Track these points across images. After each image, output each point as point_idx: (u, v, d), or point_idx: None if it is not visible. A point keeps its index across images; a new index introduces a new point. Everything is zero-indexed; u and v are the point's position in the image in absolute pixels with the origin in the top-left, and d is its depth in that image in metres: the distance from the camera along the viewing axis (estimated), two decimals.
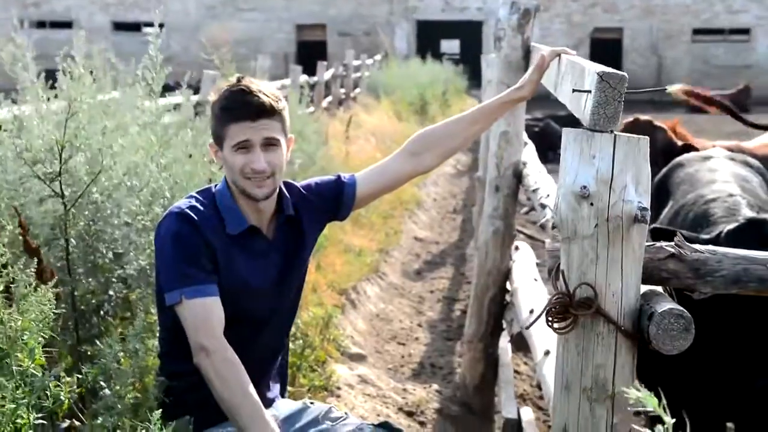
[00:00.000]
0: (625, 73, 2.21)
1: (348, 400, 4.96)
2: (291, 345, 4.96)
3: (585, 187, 2.22)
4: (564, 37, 36.57)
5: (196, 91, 8.61)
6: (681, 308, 2.21)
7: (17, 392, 2.41)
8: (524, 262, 5.45)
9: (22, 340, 2.46)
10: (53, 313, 2.58)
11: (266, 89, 2.82)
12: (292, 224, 2.97)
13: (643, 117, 5.70)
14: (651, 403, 1.37)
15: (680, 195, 4.38)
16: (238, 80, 2.84)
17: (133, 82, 4.52)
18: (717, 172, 4.45)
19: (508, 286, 5.49)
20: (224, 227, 2.83)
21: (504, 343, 5.72)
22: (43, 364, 2.51)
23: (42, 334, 2.51)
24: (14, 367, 2.44)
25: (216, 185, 2.95)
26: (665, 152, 5.38)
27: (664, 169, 4.72)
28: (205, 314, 2.70)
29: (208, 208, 2.84)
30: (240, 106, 2.76)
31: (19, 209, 3.67)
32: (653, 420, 3.85)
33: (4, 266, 2.56)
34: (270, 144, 2.79)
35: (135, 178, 4.02)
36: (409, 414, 5.28)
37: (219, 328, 2.70)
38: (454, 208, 13.19)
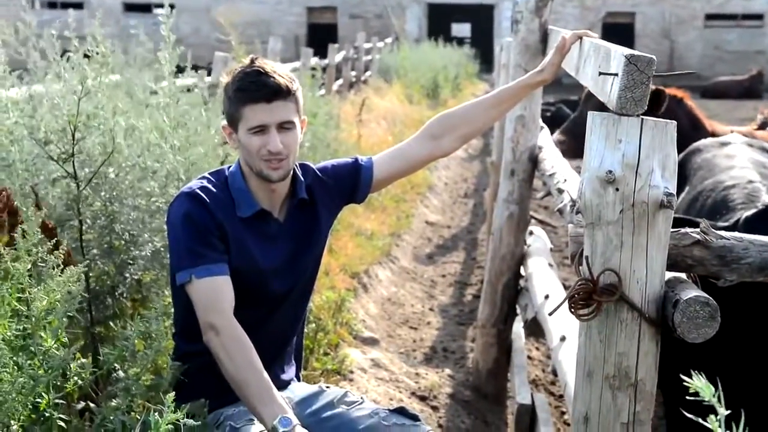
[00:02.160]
0: (653, 56, 2.17)
1: (361, 384, 4.95)
2: (304, 328, 4.96)
3: (611, 171, 2.19)
4: (576, 21, 36.40)
5: (208, 72, 8.59)
6: (707, 296, 2.18)
7: (39, 371, 2.40)
8: (539, 248, 5.42)
9: (46, 320, 2.45)
10: (81, 294, 2.58)
11: (280, 70, 2.80)
12: (306, 207, 2.95)
13: None
14: (707, 392, 1.33)
15: (697, 180, 4.34)
16: (252, 61, 2.81)
17: (145, 63, 4.49)
18: (735, 158, 4.41)
19: (522, 271, 5.46)
20: (235, 209, 2.82)
21: (517, 329, 5.70)
22: (65, 344, 2.51)
23: (67, 314, 2.50)
24: (37, 347, 2.43)
25: (230, 167, 2.93)
26: None
27: (681, 154, 4.68)
28: (214, 293, 2.70)
29: (219, 189, 2.83)
30: (255, 88, 2.73)
31: (39, 189, 3.66)
32: (667, 407, 3.82)
33: (35, 245, 2.55)
34: (285, 126, 2.77)
35: (150, 159, 4.00)
36: (422, 398, 5.26)
37: (229, 307, 2.70)
38: (466, 192, 13.14)
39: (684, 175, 4.49)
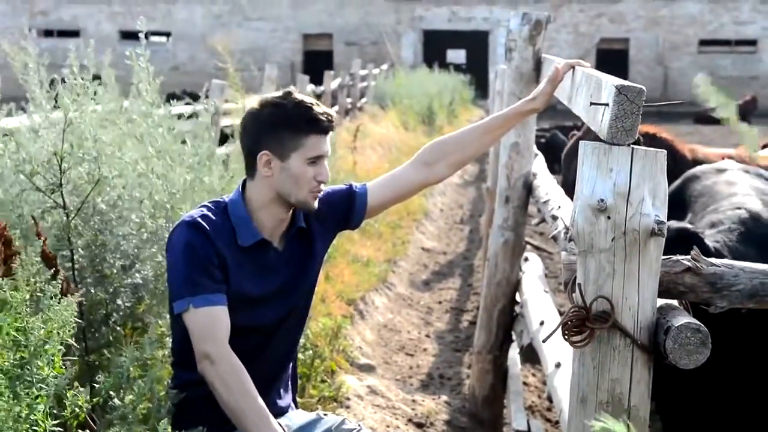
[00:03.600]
0: (642, 87, 2.20)
1: (358, 411, 4.95)
2: (300, 356, 4.97)
3: (602, 200, 2.22)
4: (570, 47, 36.59)
5: (197, 99, 8.61)
6: (698, 322, 2.20)
7: (36, 400, 2.42)
8: (534, 274, 5.44)
9: (44, 348, 2.47)
10: (76, 321, 2.59)
11: None
12: (303, 235, 2.98)
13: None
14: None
15: (700, 207, 4.38)
16: (289, 93, 2.85)
17: (130, 94, 4.50)
18: (736, 185, 4.46)
19: (517, 297, 5.48)
20: (236, 238, 2.84)
21: (513, 355, 5.71)
22: (62, 373, 2.52)
23: (63, 342, 2.51)
24: (35, 376, 2.44)
25: (227, 196, 2.96)
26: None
27: (678, 182, 4.73)
28: (211, 322, 2.72)
29: (220, 218, 2.85)
30: (324, 120, 2.81)
31: (23, 220, 3.68)
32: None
33: (33, 275, 2.57)
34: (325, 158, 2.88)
35: (137, 190, 4.02)
36: (419, 425, 5.26)
37: (224, 336, 2.72)
38: (461, 218, 13.17)
39: (684, 202, 4.55)
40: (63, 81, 4.09)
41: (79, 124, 3.87)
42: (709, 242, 3.71)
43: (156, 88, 4.24)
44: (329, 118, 2.84)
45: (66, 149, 3.72)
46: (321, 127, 2.82)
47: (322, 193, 2.89)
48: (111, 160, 3.95)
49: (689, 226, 3.75)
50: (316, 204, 2.88)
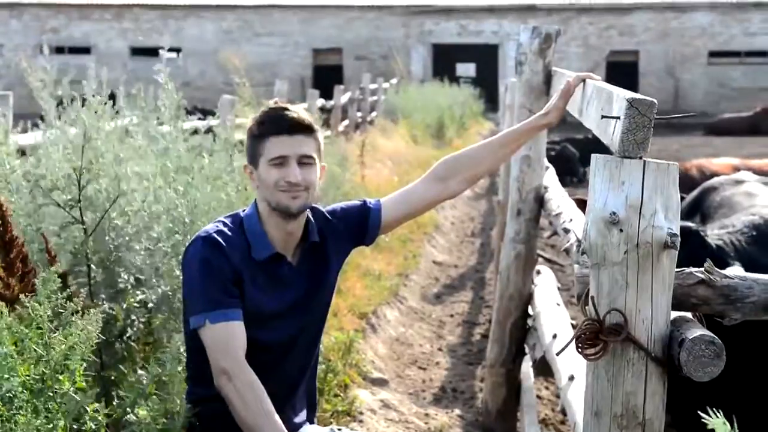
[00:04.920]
0: (654, 100, 2.21)
1: (371, 425, 4.95)
2: (316, 371, 4.97)
3: (614, 213, 2.22)
4: (580, 59, 36.58)
5: (213, 115, 8.67)
6: (712, 334, 2.20)
7: (57, 414, 2.43)
8: (546, 287, 5.44)
9: (65, 364, 2.48)
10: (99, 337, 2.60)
11: (302, 110, 2.88)
12: (317, 250, 2.98)
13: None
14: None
15: (719, 218, 4.40)
16: (276, 102, 2.89)
17: (148, 109, 4.53)
18: (756, 196, 4.48)
19: (530, 310, 5.47)
20: (250, 252, 2.85)
21: (526, 368, 5.70)
22: (83, 388, 2.53)
23: (85, 357, 2.53)
24: (55, 391, 2.46)
25: (244, 210, 2.97)
26: None
27: (695, 193, 4.77)
28: (228, 338, 2.73)
29: (235, 232, 2.87)
30: (278, 120, 2.82)
31: (41, 234, 3.70)
32: None
33: (54, 292, 2.58)
34: (305, 161, 2.83)
35: (154, 204, 4.04)
36: None
37: (241, 351, 2.73)
38: (473, 231, 13.16)
39: (702, 212, 4.58)
40: (77, 99, 4.11)
41: (96, 140, 3.89)
42: (712, 241, 3.73)
43: (177, 104, 4.27)
44: (292, 117, 2.81)
45: (85, 165, 3.74)
46: (278, 127, 2.81)
47: (297, 192, 2.82)
48: (129, 176, 3.98)
49: (691, 224, 3.78)
50: (296, 203, 2.83)
